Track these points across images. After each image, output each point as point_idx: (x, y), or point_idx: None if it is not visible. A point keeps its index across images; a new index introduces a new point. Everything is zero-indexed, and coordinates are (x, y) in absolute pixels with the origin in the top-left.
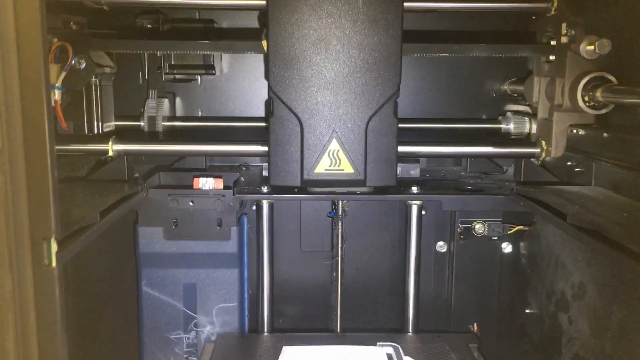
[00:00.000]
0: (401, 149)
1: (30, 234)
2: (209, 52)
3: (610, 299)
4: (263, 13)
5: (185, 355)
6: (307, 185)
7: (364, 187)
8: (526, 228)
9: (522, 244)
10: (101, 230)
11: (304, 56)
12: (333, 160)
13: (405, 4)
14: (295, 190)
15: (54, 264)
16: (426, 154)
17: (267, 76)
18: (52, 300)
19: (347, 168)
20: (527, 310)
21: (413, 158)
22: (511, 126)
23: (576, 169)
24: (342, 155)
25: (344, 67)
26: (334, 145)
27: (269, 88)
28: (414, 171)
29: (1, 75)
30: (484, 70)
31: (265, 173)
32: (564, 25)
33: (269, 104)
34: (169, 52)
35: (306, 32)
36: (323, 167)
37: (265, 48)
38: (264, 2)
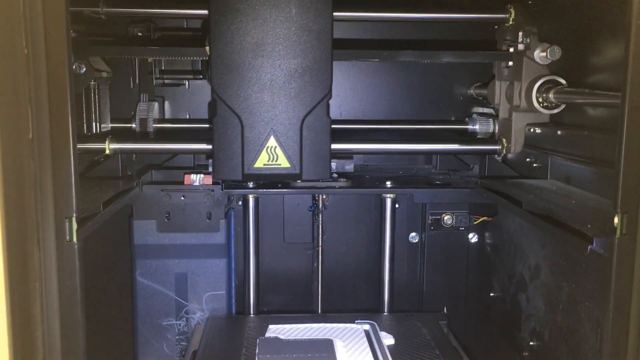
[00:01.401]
0: (335, 146)
1: (55, 213)
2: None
3: (560, 276)
4: (206, 21)
5: (177, 340)
6: (246, 180)
7: (300, 180)
8: (490, 219)
9: (486, 233)
10: (104, 219)
11: (244, 61)
12: (271, 156)
13: (379, 14)
14: (279, 185)
15: (74, 239)
16: (360, 150)
17: (209, 79)
18: (73, 272)
19: (284, 163)
20: (491, 294)
21: (347, 154)
22: (477, 127)
23: (534, 164)
24: (279, 151)
25: (280, 71)
26: (272, 142)
27: (212, 90)
28: (349, 166)
29: (32, 77)
30: (453, 76)
31: None
32: (520, 33)
33: (212, 105)
34: (159, 58)
35: (245, 38)
36: (262, 162)
37: (208, 53)
38: (206, 12)
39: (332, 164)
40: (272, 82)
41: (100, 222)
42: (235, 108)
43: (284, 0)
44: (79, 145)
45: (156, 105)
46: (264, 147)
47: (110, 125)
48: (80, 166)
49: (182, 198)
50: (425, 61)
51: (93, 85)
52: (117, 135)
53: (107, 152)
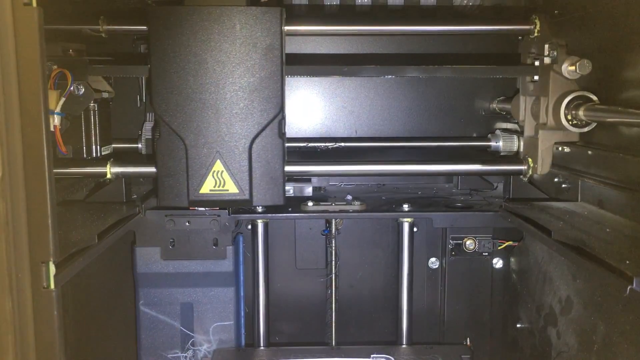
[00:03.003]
0: (289, 168)
1: (30, 257)
2: None
3: (595, 314)
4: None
5: None
6: (192, 206)
7: (251, 206)
8: (516, 244)
9: (512, 259)
10: (99, 252)
11: (185, 79)
12: (218, 181)
13: (401, 27)
14: (290, 209)
15: (52, 286)
16: (316, 172)
17: (150, 99)
18: (51, 322)
19: (231, 188)
20: (518, 325)
21: (305, 177)
22: (500, 144)
23: (563, 186)
24: (226, 175)
25: (225, 90)
26: (218, 166)
27: (154, 111)
28: (307, 189)
29: (2, 106)
30: (474, 90)
31: None
32: (546, 46)
33: (155, 127)
34: None
35: (186, 56)
36: (208, 187)
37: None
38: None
39: (288, 187)
40: (216, 101)
41: (95, 255)
42: (178, 130)
43: (227, 16)
44: (78, 170)
45: None
46: (210, 171)
47: (115, 146)
48: (79, 193)
49: (187, 224)
50: (443, 76)
51: (93, 106)
52: (121, 157)
53: (109, 176)
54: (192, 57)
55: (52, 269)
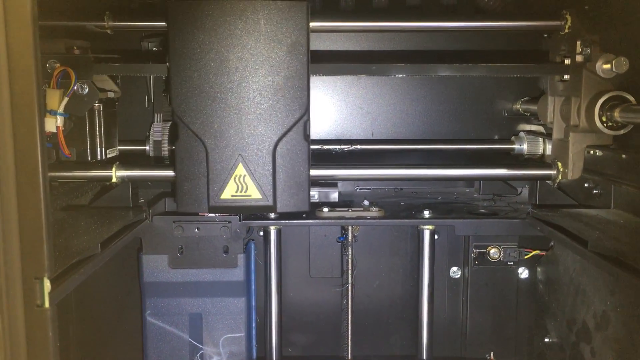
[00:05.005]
0: (315, 172)
1: (22, 273)
2: None
3: (636, 332)
4: (165, 35)
5: None
6: (213, 212)
7: (275, 212)
8: (543, 253)
9: (539, 269)
10: (102, 262)
11: (206, 79)
12: (239, 186)
13: (418, 24)
14: (304, 215)
15: (47, 304)
16: (341, 177)
17: (169, 99)
18: (45, 343)
19: (254, 194)
20: (546, 339)
21: (331, 182)
22: (524, 146)
23: (594, 191)
24: (248, 180)
25: (248, 90)
26: (240, 170)
27: (172, 111)
28: (333, 195)
29: None
30: (496, 90)
31: None
32: (578, 43)
33: (173, 128)
34: None
35: (208, 54)
36: (229, 193)
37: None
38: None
39: (312, 192)
40: (239, 102)
41: (97, 265)
42: (199, 132)
43: (251, 10)
44: (82, 174)
45: None
46: (231, 176)
47: (122, 148)
48: (83, 197)
49: (196, 230)
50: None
51: (97, 106)
52: (128, 159)
53: (114, 180)
54: (213, 55)
55: (47, 285)
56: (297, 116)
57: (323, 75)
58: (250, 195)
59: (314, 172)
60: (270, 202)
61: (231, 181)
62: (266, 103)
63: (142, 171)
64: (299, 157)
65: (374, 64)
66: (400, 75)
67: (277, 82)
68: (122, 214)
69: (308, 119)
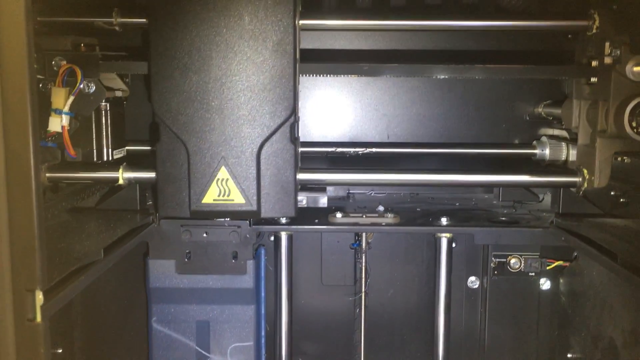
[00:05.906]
0: (303, 176)
1: (12, 284)
2: None
3: None
4: (145, 32)
5: None
6: (195, 217)
7: (259, 218)
8: (567, 264)
9: (562, 280)
10: (104, 268)
11: (188, 77)
12: (222, 190)
13: (439, 23)
14: (316, 221)
15: (38, 318)
16: (332, 181)
17: (149, 99)
18: None
19: (237, 198)
20: (569, 355)
21: (320, 186)
22: (547, 152)
23: (621, 200)
24: (231, 184)
25: (232, 89)
26: (223, 173)
27: (153, 112)
28: (322, 200)
29: None
30: (517, 92)
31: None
32: (607, 44)
33: (154, 128)
34: None
35: (189, 52)
36: (211, 197)
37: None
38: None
39: (300, 197)
40: (222, 102)
41: (99, 272)
42: (180, 133)
43: (234, 6)
44: (87, 175)
45: None
46: (214, 179)
47: (130, 148)
48: (90, 199)
49: (205, 235)
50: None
51: (104, 105)
52: (136, 160)
53: (121, 181)
54: (195, 53)
55: (40, 297)
56: (282, 118)
57: (314, 74)
58: (233, 200)
59: (302, 176)
60: (254, 207)
61: (213, 185)
62: (250, 104)
63: (150, 173)
64: (285, 160)
65: (371, 63)
66: (424, 77)
67: (262, 82)
68: (128, 217)
69: (295, 121)
